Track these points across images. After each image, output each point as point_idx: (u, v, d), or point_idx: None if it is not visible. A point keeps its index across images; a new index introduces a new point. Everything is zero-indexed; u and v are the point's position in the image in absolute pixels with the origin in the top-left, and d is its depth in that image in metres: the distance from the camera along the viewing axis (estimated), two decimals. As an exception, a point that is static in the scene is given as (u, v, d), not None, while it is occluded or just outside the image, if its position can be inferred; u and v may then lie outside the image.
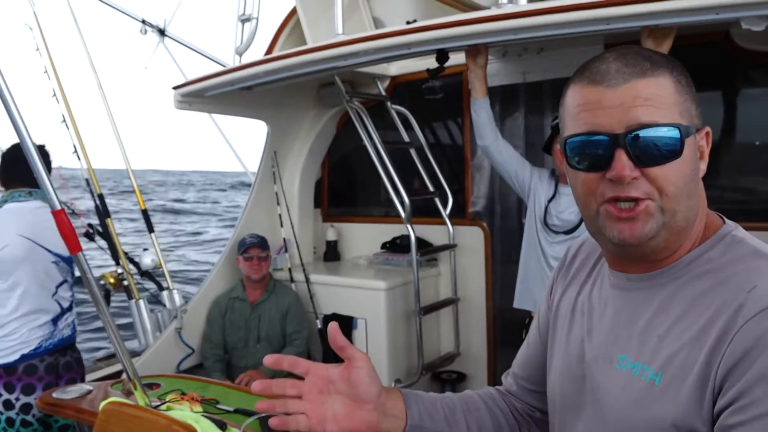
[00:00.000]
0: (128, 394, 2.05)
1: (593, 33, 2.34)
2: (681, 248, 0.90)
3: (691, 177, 0.87)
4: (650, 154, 0.84)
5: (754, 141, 3.08)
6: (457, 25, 2.52)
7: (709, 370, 0.79)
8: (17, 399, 2.67)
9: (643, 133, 0.83)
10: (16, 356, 2.68)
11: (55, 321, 2.85)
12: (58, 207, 1.63)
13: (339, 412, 0.94)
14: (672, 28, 2.30)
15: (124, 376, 2.96)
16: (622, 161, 0.84)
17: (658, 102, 0.84)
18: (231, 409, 1.97)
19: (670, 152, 0.84)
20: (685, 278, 0.88)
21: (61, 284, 2.90)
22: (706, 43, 2.93)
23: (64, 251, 2.81)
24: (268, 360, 0.95)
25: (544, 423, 1.18)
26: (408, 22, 2.71)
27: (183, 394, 2.02)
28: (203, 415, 1.75)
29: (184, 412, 1.77)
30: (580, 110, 0.88)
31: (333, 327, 0.93)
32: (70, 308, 2.96)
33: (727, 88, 3.10)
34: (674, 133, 0.84)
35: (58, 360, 2.82)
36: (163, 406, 1.82)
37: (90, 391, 2.22)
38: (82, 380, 2.93)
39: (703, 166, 0.91)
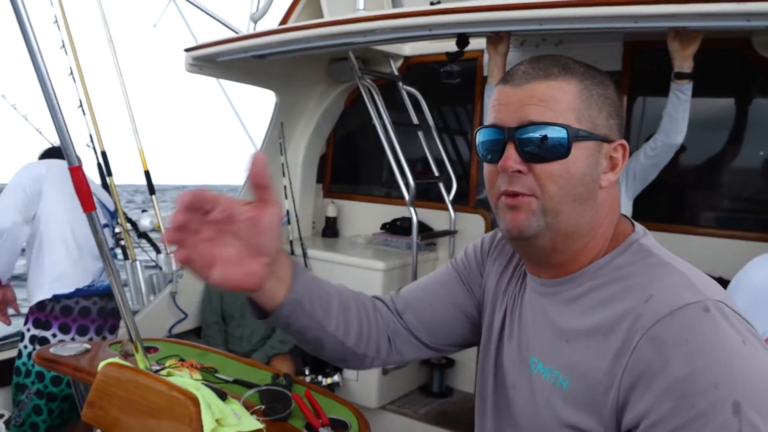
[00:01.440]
0: (126, 356, 2.04)
1: (621, 30, 2.31)
2: (586, 254, 0.92)
3: (580, 181, 0.88)
4: (535, 151, 0.87)
5: (763, 151, 3.08)
6: (482, 11, 2.47)
7: (611, 380, 0.80)
8: (72, 339, 2.77)
9: (530, 129, 0.87)
10: (71, 288, 2.81)
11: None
12: (76, 163, 1.61)
13: (230, 257, 0.83)
14: (699, 32, 2.28)
15: (120, 335, 2.99)
16: (509, 153, 0.88)
17: (552, 104, 0.88)
18: (230, 379, 1.97)
19: (554, 151, 0.87)
20: (592, 284, 0.90)
21: (104, 227, 2.95)
22: (727, 49, 2.92)
23: (104, 199, 3.13)
24: (184, 197, 0.79)
25: (412, 344, 1.16)
26: (432, 3, 2.67)
27: (182, 360, 2.01)
28: (203, 383, 1.75)
29: (184, 378, 1.76)
30: (491, 105, 0.94)
31: (259, 158, 0.79)
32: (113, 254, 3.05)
33: (744, 95, 3.09)
34: (561, 133, 0.87)
35: (107, 304, 2.95)
36: (163, 372, 1.81)
37: (88, 350, 2.20)
38: (117, 326, 3.07)
39: (612, 177, 0.92)
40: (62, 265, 2.83)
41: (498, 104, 0.92)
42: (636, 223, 0.97)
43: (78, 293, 2.83)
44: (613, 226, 0.94)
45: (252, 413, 1.71)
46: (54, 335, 2.76)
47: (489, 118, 0.94)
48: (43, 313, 2.77)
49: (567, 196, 0.88)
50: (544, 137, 0.87)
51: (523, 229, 0.90)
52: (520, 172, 0.88)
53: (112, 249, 3.11)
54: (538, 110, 0.88)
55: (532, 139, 0.87)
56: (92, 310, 2.89)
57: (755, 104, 3.10)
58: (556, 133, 0.87)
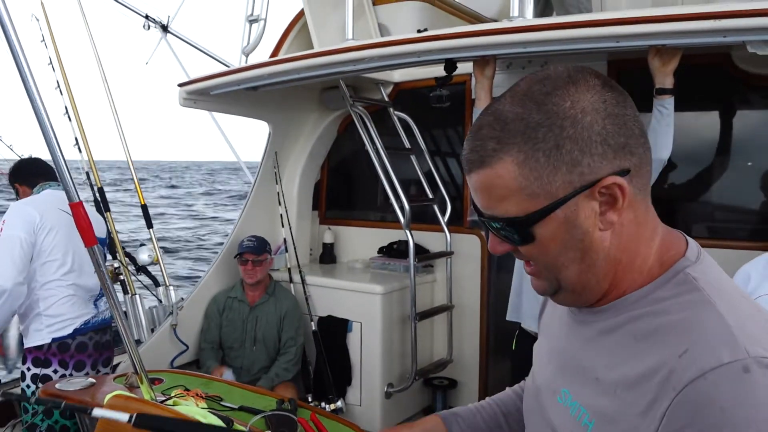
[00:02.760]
0: (131, 388, 2.06)
1: (602, 50, 2.38)
2: (621, 287, 0.86)
3: (563, 248, 0.83)
4: (506, 236, 0.85)
5: (750, 161, 3.14)
6: (468, 36, 2.54)
7: None
8: (71, 374, 2.81)
9: (489, 221, 0.85)
10: (69, 330, 2.86)
11: (96, 301, 3.04)
12: (77, 200, 1.65)
13: None
14: (679, 48, 2.35)
15: (123, 368, 3.00)
16: (492, 237, 0.88)
17: (494, 192, 0.82)
18: (235, 406, 1.99)
19: (519, 239, 0.84)
20: (629, 315, 0.84)
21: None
22: (709, 65, 2.99)
23: (100, 232, 3.13)
24: None
25: None
26: (419, 31, 2.74)
27: (187, 389, 2.03)
28: (209, 412, 1.76)
29: (190, 407, 1.78)
30: None
31: None
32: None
33: (727, 108, 3.16)
34: (511, 226, 0.83)
35: (101, 338, 3.03)
36: (170, 401, 1.83)
37: (93, 384, 2.22)
38: (112, 359, 3.18)
39: (613, 216, 0.82)
40: (60, 310, 2.87)
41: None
42: (691, 242, 0.89)
43: (75, 333, 2.87)
44: (649, 252, 0.86)
45: (259, 439, 1.72)
46: (55, 371, 2.79)
47: None
48: (41, 352, 2.80)
49: (557, 266, 0.85)
50: (501, 230, 0.85)
51: (543, 292, 0.91)
52: (509, 250, 0.87)
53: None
54: (485, 201, 0.84)
55: (495, 229, 0.86)
56: (89, 345, 2.94)
57: (739, 116, 3.17)
58: (509, 226, 0.83)
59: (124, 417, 1.00)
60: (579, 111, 0.79)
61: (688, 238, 0.90)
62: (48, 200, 2.95)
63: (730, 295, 0.80)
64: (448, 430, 1.11)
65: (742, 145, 3.14)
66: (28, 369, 2.80)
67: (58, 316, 2.85)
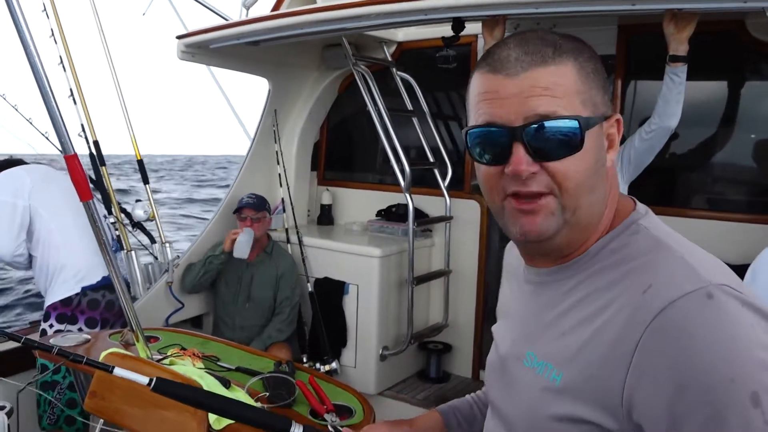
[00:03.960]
0: (127, 345, 2.04)
1: (618, 12, 2.30)
2: (587, 241, 0.87)
3: (593, 170, 0.83)
4: (548, 149, 0.80)
5: (757, 133, 3.10)
6: (477, -6, 2.47)
7: (614, 375, 0.76)
8: (80, 330, 2.74)
9: (541, 126, 0.80)
10: (77, 289, 2.79)
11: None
12: (72, 152, 1.59)
13: None
14: (695, 14, 2.28)
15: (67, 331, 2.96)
16: (520, 155, 0.81)
17: (557, 91, 0.80)
18: (232, 367, 1.97)
19: (568, 146, 0.80)
20: (589, 272, 0.86)
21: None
22: (721, 31, 2.92)
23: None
24: None
25: None
26: (427, -13, 2.64)
27: (183, 349, 2.00)
28: (206, 372, 1.74)
29: (187, 367, 1.76)
30: (479, 100, 0.85)
31: None
32: (120, 245, 3.11)
33: (737, 77, 3.10)
34: (573, 125, 0.80)
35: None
36: (166, 361, 1.81)
37: (88, 340, 2.20)
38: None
39: (612, 155, 0.87)
40: (84, 258, 2.82)
41: (492, 98, 0.83)
42: (638, 202, 0.92)
43: (105, 282, 2.82)
44: (614, 207, 0.89)
45: (256, 400, 1.71)
46: (80, 330, 2.74)
47: (479, 113, 0.85)
48: (69, 308, 2.75)
49: (584, 189, 0.83)
50: (557, 133, 0.80)
51: (543, 232, 0.84)
52: (533, 173, 0.82)
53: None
54: (545, 101, 0.80)
55: (543, 137, 0.80)
56: (116, 304, 2.89)
57: (748, 87, 3.12)
58: (568, 126, 0.80)
59: (144, 380, 0.98)
60: (593, 51, 0.87)
61: (634, 198, 0.93)
62: (34, 166, 2.90)
63: (683, 241, 0.84)
64: (446, 422, 1.14)
65: (749, 115, 3.09)
66: (51, 326, 2.76)
67: (83, 265, 2.81)
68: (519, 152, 0.81)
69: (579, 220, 0.85)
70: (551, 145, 0.80)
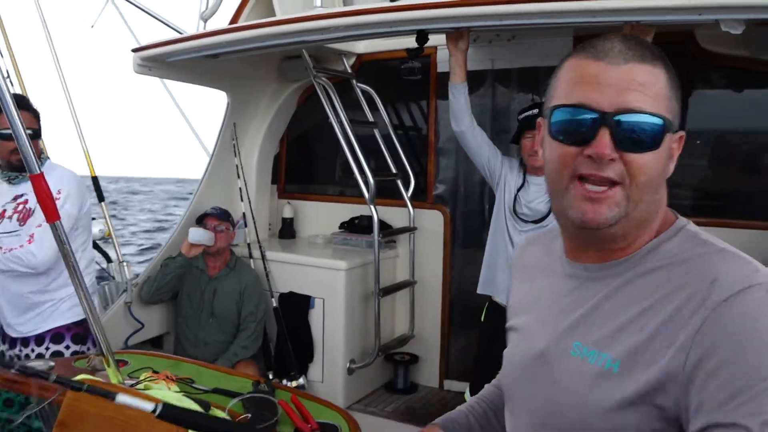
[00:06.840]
0: (94, 371, 1.95)
1: (579, 24, 2.36)
2: (639, 240, 0.92)
3: (661, 171, 0.89)
4: (632, 140, 0.85)
5: (708, 140, 3.22)
6: (442, 7, 2.48)
7: (677, 359, 0.79)
8: (89, 349, 2.72)
9: (630, 117, 0.84)
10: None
11: None
12: (37, 171, 1.52)
13: None
14: (653, 26, 2.36)
15: (88, 351, 2.86)
16: (605, 140, 0.85)
17: (650, 90, 0.85)
18: (209, 389, 1.90)
19: (650, 142, 0.86)
20: (643, 269, 0.90)
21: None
22: (672, 42, 3.02)
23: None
24: None
25: None
26: (391, 0, 2.66)
27: (155, 372, 1.93)
28: (184, 395, 1.69)
29: (163, 391, 1.70)
30: (576, 81, 0.89)
31: None
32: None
33: (687, 87, 3.22)
34: (659, 123, 0.85)
35: None
36: (140, 386, 1.74)
37: (52, 367, 2.09)
38: None
39: (671, 167, 0.92)
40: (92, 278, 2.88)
41: (589, 82, 0.87)
42: (675, 212, 0.97)
43: None
44: (663, 213, 0.94)
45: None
46: (88, 349, 2.72)
47: (573, 94, 0.88)
48: (82, 327, 2.71)
49: (651, 186, 0.88)
50: (644, 128, 0.85)
51: (602, 222, 0.88)
52: (612, 159, 0.86)
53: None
54: (639, 96, 0.85)
55: (629, 128, 0.85)
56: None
57: (697, 96, 3.24)
58: (655, 124, 0.85)
59: (149, 407, 0.93)
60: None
61: (673, 210, 0.98)
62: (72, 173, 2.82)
63: (729, 245, 0.89)
64: None
65: (699, 124, 3.21)
66: (67, 347, 2.67)
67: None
68: (605, 137, 0.85)
69: (639, 215, 0.89)
70: (635, 137, 0.85)
